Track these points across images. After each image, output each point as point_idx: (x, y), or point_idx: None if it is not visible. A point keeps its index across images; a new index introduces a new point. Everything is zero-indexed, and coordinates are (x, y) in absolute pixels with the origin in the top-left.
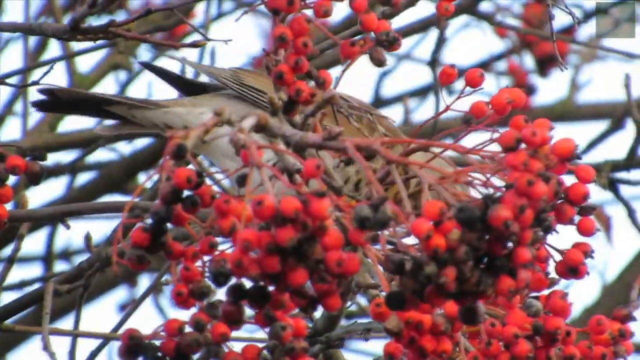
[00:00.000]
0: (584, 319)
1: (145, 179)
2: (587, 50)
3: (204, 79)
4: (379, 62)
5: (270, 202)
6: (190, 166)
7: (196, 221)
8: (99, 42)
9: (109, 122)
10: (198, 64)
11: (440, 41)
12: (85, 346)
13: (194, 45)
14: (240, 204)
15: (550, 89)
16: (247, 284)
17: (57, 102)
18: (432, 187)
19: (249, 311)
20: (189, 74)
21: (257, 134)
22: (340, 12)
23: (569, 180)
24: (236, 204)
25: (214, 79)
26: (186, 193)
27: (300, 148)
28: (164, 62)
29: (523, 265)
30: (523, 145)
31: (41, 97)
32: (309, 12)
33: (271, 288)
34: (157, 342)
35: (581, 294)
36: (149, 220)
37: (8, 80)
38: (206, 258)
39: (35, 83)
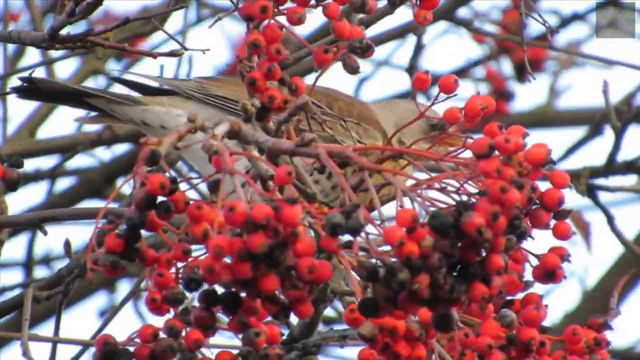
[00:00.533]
0: (564, 325)
1: (121, 184)
2: (565, 56)
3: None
4: (352, 69)
5: (242, 209)
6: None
7: (170, 227)
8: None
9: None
10: (160, 77)
11: (418, 48)
12: (65, 352)
13: (171, 54)
14: (213, 210)
15: (529, 94)
16: (220, 290)
17: (38, 90)
18: (405, 193)
19: (225, 318)
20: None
21: (231, 141)
22: (316, 19)
23: (545, 186)
24: (209, 209)
25: (179, 92)
26: (160, 199)
27: (274, 154)
28: (129, 76)
29: (497, 272)
30: (497, 152)
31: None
32: (282, 19)
33: (243, 294)
34: (132, 349)
35: (562, 300)
36: (123, 226)
37: None
38: (180, 264)
39: (14, 91)
